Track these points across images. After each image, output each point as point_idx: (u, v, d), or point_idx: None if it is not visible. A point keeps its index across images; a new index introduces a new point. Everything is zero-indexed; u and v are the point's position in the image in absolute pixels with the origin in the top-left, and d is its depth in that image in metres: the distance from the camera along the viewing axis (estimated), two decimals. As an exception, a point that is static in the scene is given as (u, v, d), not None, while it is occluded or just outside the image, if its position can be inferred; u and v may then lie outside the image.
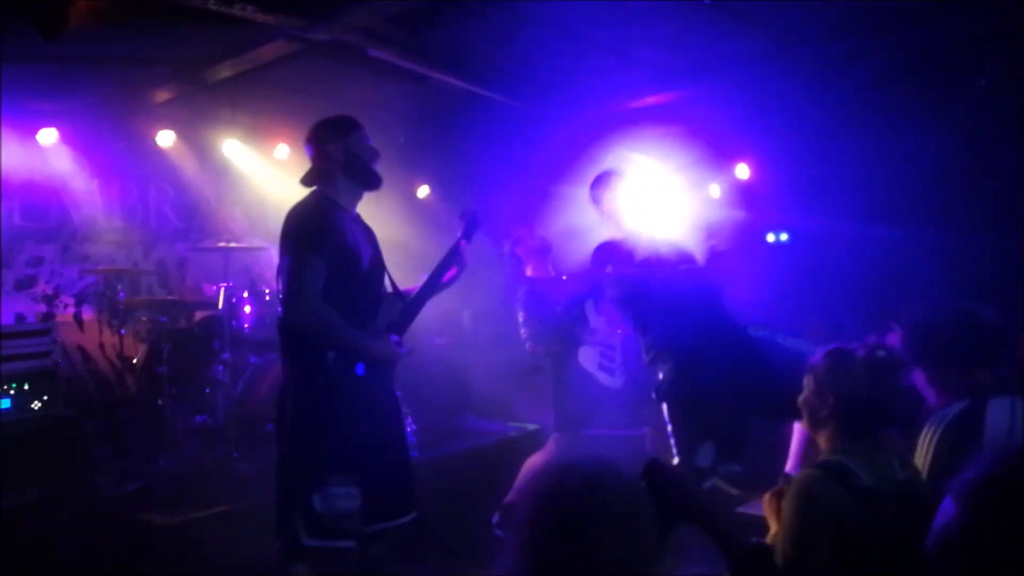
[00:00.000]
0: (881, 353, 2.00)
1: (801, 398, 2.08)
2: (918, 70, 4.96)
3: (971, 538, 1.05)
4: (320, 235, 2.64)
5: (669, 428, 3.44)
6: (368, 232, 2.92)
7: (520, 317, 4.42)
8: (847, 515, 1.81)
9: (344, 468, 2.63)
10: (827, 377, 2.01)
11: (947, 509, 1.09)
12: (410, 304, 2.92)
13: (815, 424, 2.04)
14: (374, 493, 2.71)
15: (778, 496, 2.01)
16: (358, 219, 2.89)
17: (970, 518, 1.05)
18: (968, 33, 4.49)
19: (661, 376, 3.48)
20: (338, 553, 2.60)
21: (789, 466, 3.59)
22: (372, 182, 2.88)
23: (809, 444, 3.51)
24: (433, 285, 2.99)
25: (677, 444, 3.41)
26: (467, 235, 3.04)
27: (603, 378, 4.16)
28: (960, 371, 2.32)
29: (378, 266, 2.88)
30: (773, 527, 2.01)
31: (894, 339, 3.76)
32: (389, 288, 2.99)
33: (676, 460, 3.39)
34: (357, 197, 2.90)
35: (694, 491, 1.63)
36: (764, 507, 2.07)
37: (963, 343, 2.32)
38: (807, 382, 2.06)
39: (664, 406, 3.45)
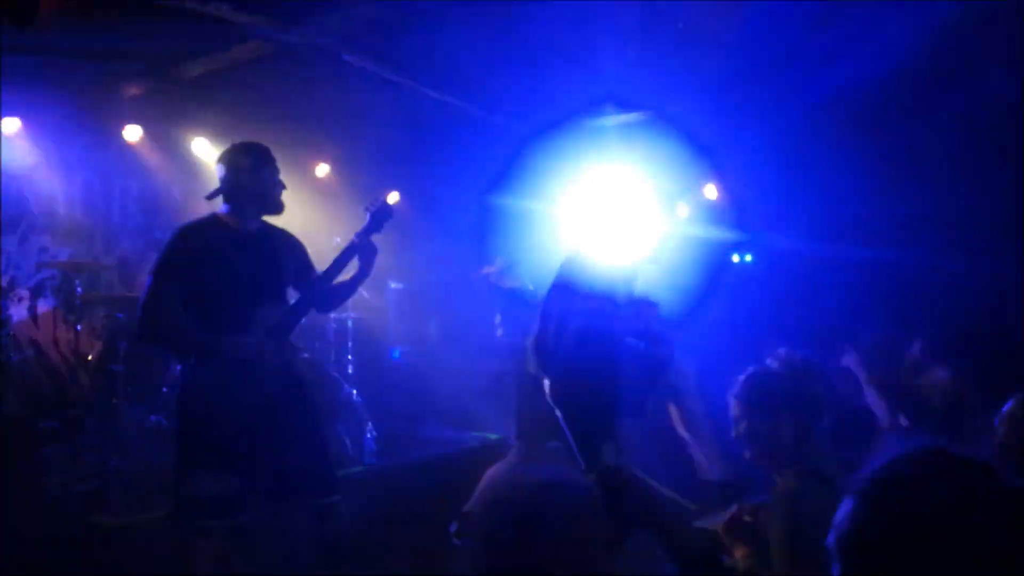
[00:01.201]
0: (799, 359, 2.04)
1: (735, 432, 2.09)
2: (881, 95, 5.10)
3: (862, 534, 1.08)
4: (173, 258, 2.90)
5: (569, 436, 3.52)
6: (258, 245, 3.05)
7: (497, 319, 4.46)
8: (822, 526, 1.82)
9: (212, 456, 2.82)
10: (748, 396, 2.05)
11: (847, 506, 1.13)
12: (291, 307, 3.09)
13: (754, 448, 2.05)
14: (259, 478, 2.90)
15: (735, 520, 2.01)
16: (249, 235, 3.04)
17: (862, 515, 1.09)
18: (928, 61, 4.62)
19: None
20: (209, 531, 2.82)
21: None
22: (275, 210, 3.12)
23: None
24: (323, 287, 3.15)
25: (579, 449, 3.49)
26: (371, 228, 3.18)
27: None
28: None
29: (256, 277, 3.01)
30: (739, 552, 1.99)
31: (849, 361, 3.87)
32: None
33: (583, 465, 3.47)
34: (257, 219, 3.10)
35: (648, 496, 1.65)
36: (722, 534, 2.05)
37: None
38: (734, 411, 2.08)
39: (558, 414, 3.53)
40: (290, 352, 3.07)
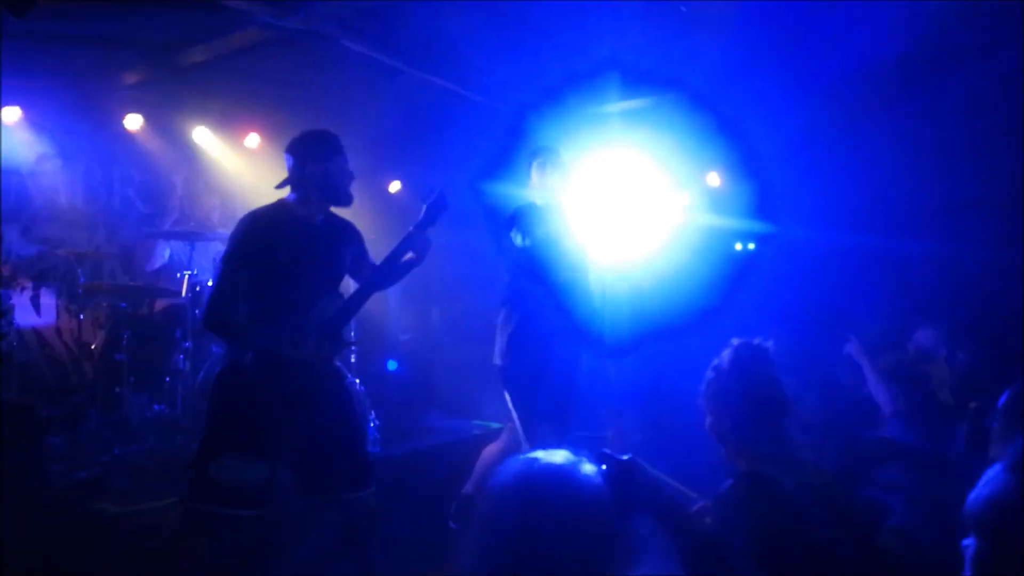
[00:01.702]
0: (745, 349, 2.02)
1: (706, 425, 2.09)
2: (887, 81, 5.05)
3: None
4: (246, 248, 2.87)
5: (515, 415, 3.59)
6: (323, 235, 3.03)
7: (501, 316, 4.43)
8: (768, 525, 1.82)
9: (249, 445, 2.79)
10: (706, 390, 2.06)
11: (998, 477, 1.13)
12: (347, 302, 3.06)
13: (721, 442, 2.05)
14: (299, 470, 2.91)
15: (696, 520, 2.01)
16: (315, 225, 3.02)
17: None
18: (940, 47, 4.58)
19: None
20: (229, 519, 2.77)
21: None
22: (344, 203, 3.07)
23: None
24: (378, 279, 3.15)
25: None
26: (427, 222, 3.16)
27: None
28: None
29: (319, 269, 2.99)
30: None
31: (852, 349, 3.85)
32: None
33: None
34: (323, 209, 3.07)
35: (648, 483, 1.64)
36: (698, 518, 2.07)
37: None
38: (704, 406, 2.08)
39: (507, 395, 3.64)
40: (340, 347, 3.08)
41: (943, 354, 3.61)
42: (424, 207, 3.17)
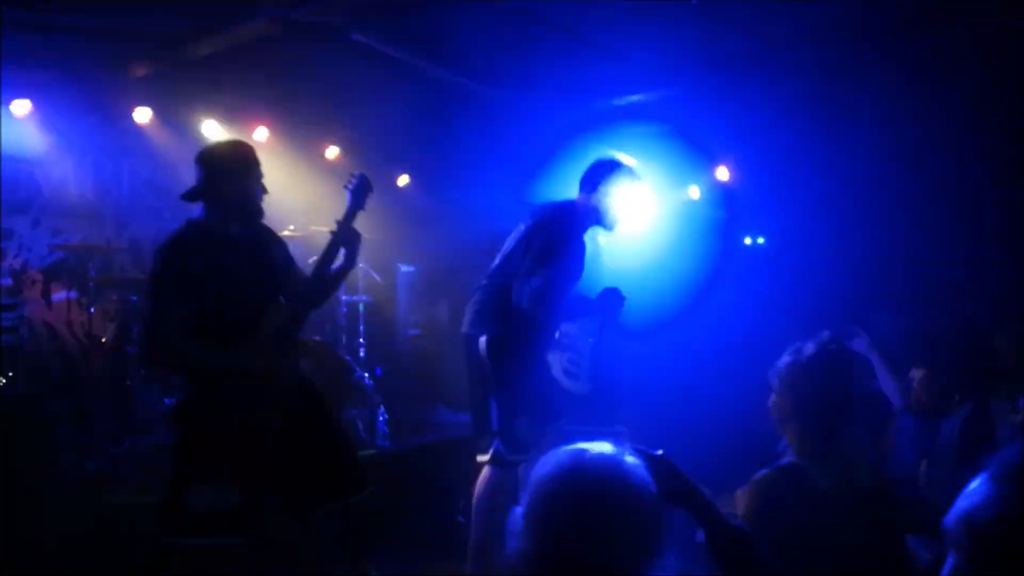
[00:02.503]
0: (833, 347, 2.02)
1: (770, 401, 2.10)
2: (900, 78, 5.02)
3: (1009, 518, 1.06)
4: (172, 278, 2.75)
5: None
6: (248, 246, 2.90)
7: None
8: (797, 519, 1.83)
9: (223, 470, 2.67)
10: (786, 376, 2.04)
11: (982, 490, 1.11)
12: (296, 306, 2.93)
13: (781, 424, 2.07)
14: (283, 488, 2.80)
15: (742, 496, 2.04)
16: (237, 238, 2.88)
17: (1010, 499, 1.07)
18: (951, 43, 4.54)
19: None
20: (207, 551, 2.66)
21: None
22: (257, 218, 2.94)
23: None
24: (318, 280, 2.99)
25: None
26: (353, 210, 3.00)
27: (568, 383, 4.15)
28: None
29: (255, 280, 2.87)
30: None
31: (860, 344, 3.84)
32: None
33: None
34: (237, 221, 2.90)
35: (680, 476, 1.65)
36: (736, 503, 2.10)
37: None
38: (774, 384, 2.09)
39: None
40: (300, 351, 2.94)
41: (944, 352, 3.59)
42: (348, 193, 3.00)
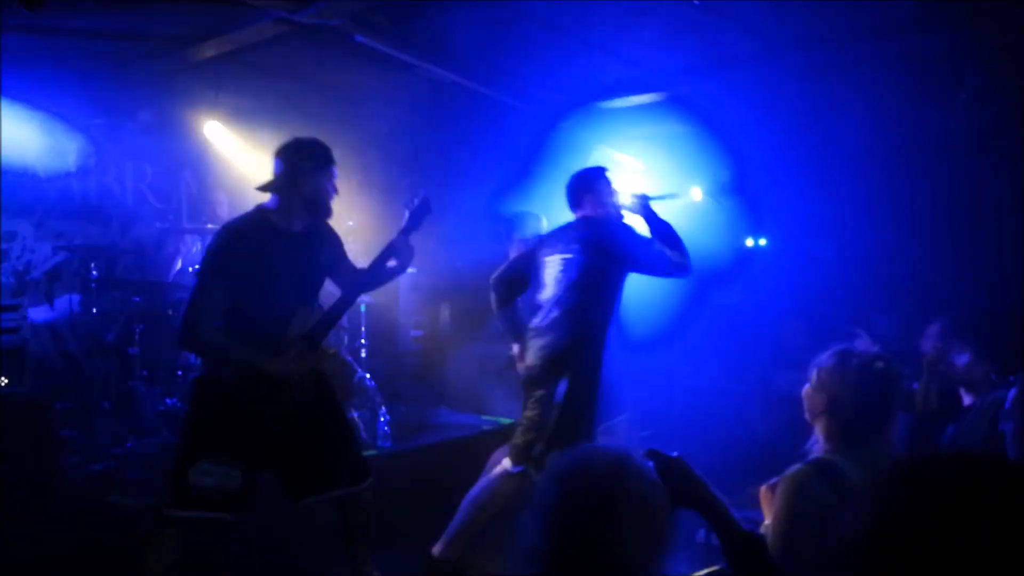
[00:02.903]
0: (880, 364, 2.05)
1: (804, 389, 2.14)
2: (900, 80, 5.02)
3: (874, 537, 1.05)
4: (224, 262, 2.82)
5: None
6: (302, 245, 2.96)
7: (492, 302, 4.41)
8: (833, 513, 1.85)
9: (229, 450, 2.77)
10: (827, 377, 2.08)
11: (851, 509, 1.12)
12: (328, 312, 2.99)
13: (811, 416, 2.11)
14: (287, 472, 2.94)
15: (773, 489, 2.06)
16: (295, 235, 2.95)
17: (873, 517, 1.07)
18: (950, 44, 4.54)
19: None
20: (205, 524, 2.79)
21: None
22: (325, 216, 3.01)
23: None
24: (359, 287, 3.09)
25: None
26: (410, 227, 3.09)
27: None
28: None
29: (297, 282, 2.93)
30: (767, 518, 2.07)
31: (861, 345, 3.84)
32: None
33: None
34: (303, 218, 2.97)
35: (694, 477, 1.67)
36: (760, 499, 2.12)
37: None
38: (812, 376, 2.12)
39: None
40: (320, 359, 3.00)
41: (950, 353, 3.62)
42: (407, 212, 3.09)
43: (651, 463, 1.50)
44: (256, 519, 2.94)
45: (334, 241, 3.15)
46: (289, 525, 3.46)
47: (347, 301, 3.06)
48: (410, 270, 6.83)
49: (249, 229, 2.89)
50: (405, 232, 3.07)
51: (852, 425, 2.03)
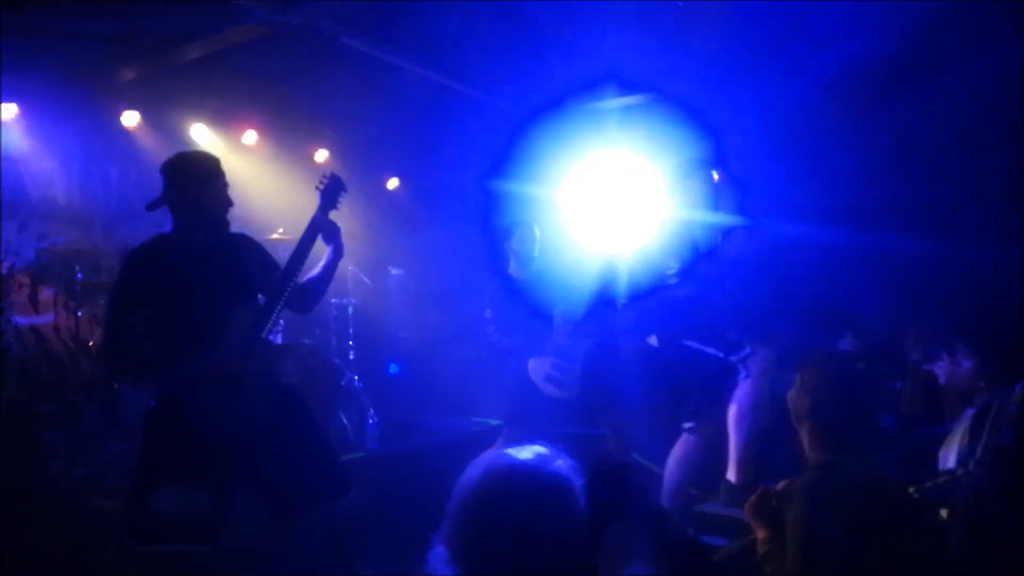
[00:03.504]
0: (861, 366, 2.07)
1: (788, 394, 2.15)
2: (883, 76, 5.05)
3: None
4: (130, 286, 2.84)
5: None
6: (212, 254, 2.93)
7: (488, 314, 4.42)
8: (857, 509, 1.87)
9: (193, 475, 2.68)
10: (809, 381, 2.09)
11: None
12: (265, 304, 2.95)
13: (796, 420, 2.13)
14: (261, 494, 2.85)
15: (761, 502, 2.05)
16: (200, 247, 2.92)
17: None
18: (935, 43, 4.58)
19: None
20: (177, 557, 2.65)
21: (731, 474, 3.66)
22: (218, 229, 2.97)
23: (745, 451, 3.62)
24: (289, 274, 3.00)
25: None
26: (325, 206, 3.07)
27: (550, 390, 4.14)
28: None
29: (217, 287, 2.90)
30: (761, 533, 2.05)
31: (845, 344, 3.88)
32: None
33: None
34: (203, 231, 2.95)
35: (635, 489, 1.64)
36: (747, 514, 2.11)
37: None
38: (796, 380, 2.14)
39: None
40: (270, 355, 2.93)
41: (945, 353, 3.62)
42: (319, 194, 3.08)
43: (564, 467, 1.45)
44: (243, 546, 2.87)
45: (255, 249, 3.11)
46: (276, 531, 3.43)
47: (278, 294, 2.96)
48: (395, 271, 6.91)
49: (151, 251, 2.91)
50: (322, 210, 3.05)
51: (836, 428, 2.04)
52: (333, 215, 3.10)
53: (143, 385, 2.98)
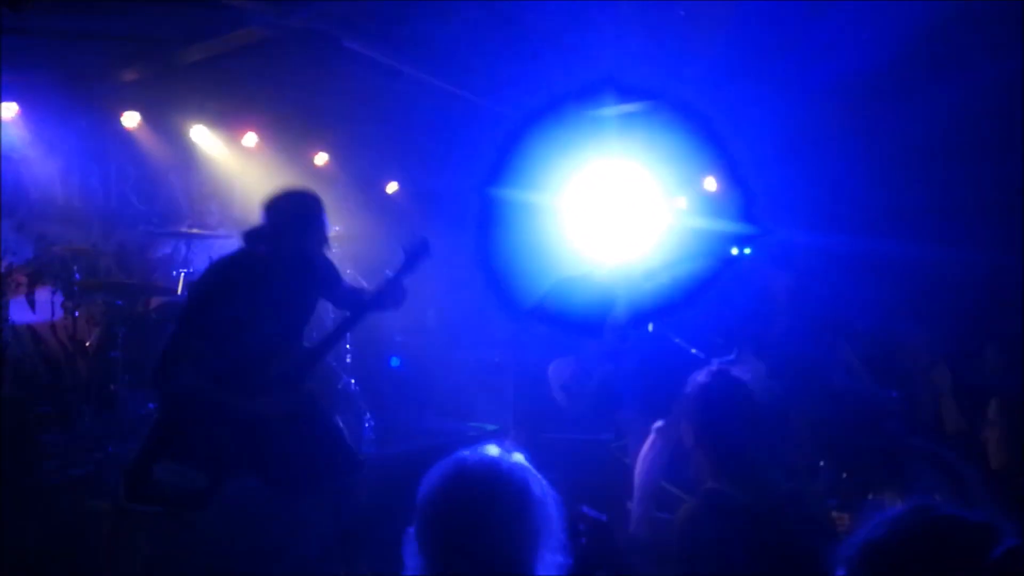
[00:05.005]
0: (722, 379, 2.09)
1: (680, 423, 2.17)
2: (882, 84, 5.07)
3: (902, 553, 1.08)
4: (208, 302, 2.82)
5: None
6: (288, 280, 2.90)
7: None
8: (729, 540, 1.86)
9: (191, 455, 2.72)
10: (689, 408, 2.12)
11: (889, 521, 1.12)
12: (311, 351, 3.00)
13: (692, 451, 2.12)
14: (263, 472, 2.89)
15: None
16: (280, 272, 2.89)
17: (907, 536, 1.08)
18: (934, 50, 4.60)
19: None
20: (153, 516, 2.77)
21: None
22: (311, 263, 2.96)
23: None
24: (346, 325, 3.08)
25: None
26: (407, 269, 3.03)
27: (564, 398, 4.15)
28: None
29: (280, 316, 2.89)
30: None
31: (841, 352, 3.87)
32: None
33: None
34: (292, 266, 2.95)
35: (611, 541, 1.70)
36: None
37: None
38: (679, 412, 2.18)
39: None
40: (301, 398, 2.93)
41: (941, 359, 3.62)
42: (405, 254, 3.03)
43: (518, 462, 1.49)
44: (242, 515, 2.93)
45: (324, 269, 3.10)
46: (280, 524, 3.43)
47: (331, 340, 3.04)
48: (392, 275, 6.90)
49: (234, 270, 2.89)
50: (401, 273, 3.01)
51: (726, 452, 2.02)
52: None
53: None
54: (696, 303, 4.06)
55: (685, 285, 4.03)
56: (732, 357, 3.71)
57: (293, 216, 2.87)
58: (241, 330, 2.80)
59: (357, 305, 3.08)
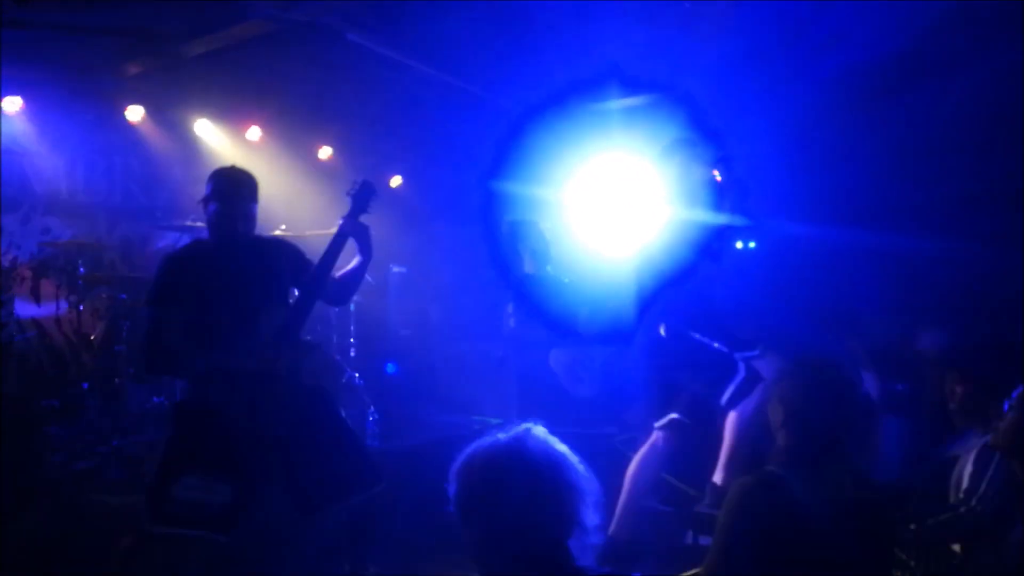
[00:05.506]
0: (832, 375, 2.06)
1: (769, 403, 2.15)
2: (888, 77, 5.05)
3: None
4: (166, 288, 2.98)
5: None
6: (243, 257, 3.01)
7: (509, 308, 4.43)
8: (775, 527, 1.85)
9: (209, 468, 2.74)
10: (784, 389, 2.10)
11: None
12: (297, 304, 3.05)
13: (774, 428, 2.11)
14: (286, 486, 2.87)
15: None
16: (231, 250, 3.02)
17: None
18: (941, 44, 4.58)
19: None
20: (187, 541, 2.72)
21: (717, 476, 3.65)
22: (235, 243, 3.05)
23: (735, 454, 3.61)
24: (322, 273, 3.07)
25: None
26: (356, 211, 3.12)
27: (569, 384, 4.15)
28: None
29: (249, 288, 2.98)
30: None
31: (848, 348, 3.86)
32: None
33: None
34: (235, 235, 3.04)
35: None
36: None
37: None
38: (774, 390, 2.15)
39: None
40: (302, 351, 2.98)
41: (951, 358, 3.58)
42: (350, 199, 3.13)
43: (541, 445, 1.56)
44: (266, 536, 2.90)
45: (289, 250, 3.18)
46: (287, 526, 3.43)
47: (311, 292, 3.05)
48: (397, 268, 6.90)
49: (186, 254, 3.11)
50: (352, 215, 3.10)
51: (809, 438, 2.02)
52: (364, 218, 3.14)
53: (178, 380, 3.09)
54: (702, 297, 4.03)
55: (689, 279, 4.01)
56: (756, 352, 3.68)
57: (215, 188, 3.04)
58: (210, 308, 2.91)
59: (324, 258, 3.08)
